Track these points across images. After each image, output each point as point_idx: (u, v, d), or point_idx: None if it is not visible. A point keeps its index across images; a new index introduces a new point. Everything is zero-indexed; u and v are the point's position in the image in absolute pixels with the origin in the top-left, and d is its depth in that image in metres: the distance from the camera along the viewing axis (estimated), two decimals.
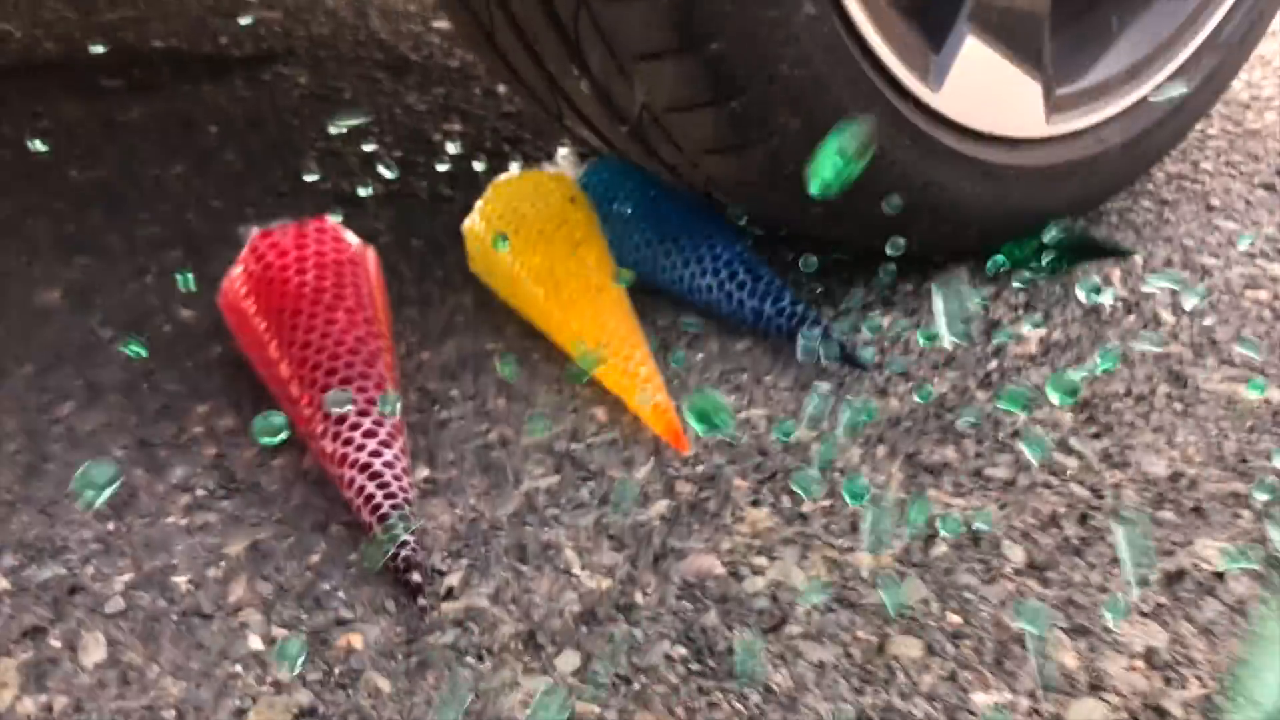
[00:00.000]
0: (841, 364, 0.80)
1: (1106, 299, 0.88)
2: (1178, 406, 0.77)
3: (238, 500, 0.66)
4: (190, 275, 0.77)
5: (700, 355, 0.82)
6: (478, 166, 1.13)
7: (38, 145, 1.14)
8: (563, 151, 1.15)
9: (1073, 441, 0.73)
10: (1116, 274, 0.96)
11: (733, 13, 0.70)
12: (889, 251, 0.84)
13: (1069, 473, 0.69)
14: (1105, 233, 1.05)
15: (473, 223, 0.87)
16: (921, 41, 0.82)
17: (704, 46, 0.71)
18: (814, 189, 0.67)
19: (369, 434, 0.63)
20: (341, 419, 0.64)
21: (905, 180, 0.84)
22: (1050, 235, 0.94)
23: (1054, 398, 0.72)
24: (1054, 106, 0.90)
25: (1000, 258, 0.98)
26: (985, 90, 0.86)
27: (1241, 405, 0.77)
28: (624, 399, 0.74)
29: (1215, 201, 1.12)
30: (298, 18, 1.67)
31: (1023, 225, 0.95)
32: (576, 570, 0.61)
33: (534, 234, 0.82)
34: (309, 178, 1.12)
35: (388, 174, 1.12)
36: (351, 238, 0.78)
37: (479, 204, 0.87)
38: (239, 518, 0.64)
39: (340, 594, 0.59)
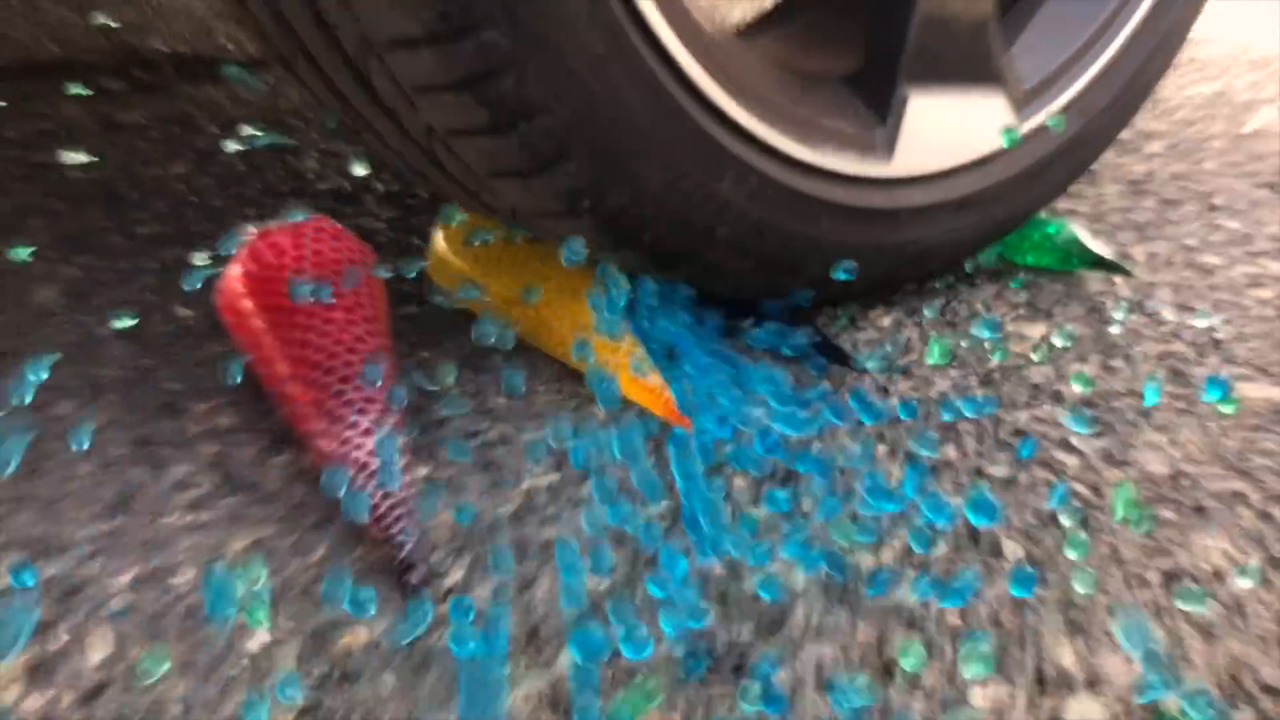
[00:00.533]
0: (836, 364, 0.81)
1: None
2: (1179, 405, 0.77)
3: (239, 499, 0.66)
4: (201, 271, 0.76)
5: None
6: None
7: None
8: None
9: (1073, 440, 0.73)
10: (1117, 278, 0.96)
11: (656, 215, 0.70)
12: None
13: (1069, 471, 0.69)
14: (1108, 232, 1.05)
15: (431, 267, 0.86)
16: (865, 121, 0.80)
17: (644, 240, 0.72)
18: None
19: (368, 432, 0.64)
20: (340, 418, 0.64)
21: (882, 251, 0.83)
22: (1055, 237, 0.94)
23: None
24: (1024, 102, 0.87)
25: (1000, 252, 0.98)
26: (944, 132, 0.83)
27: (1243, 404, 0.77)
28: (619, 384, 0.74)
29: (1217, 201, 1.12)
30: None
31: (1019, 224, 0.94)
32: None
33: (493, 261, 0.82)
34: (309, 177, 1.12)
35: (389, 174, 1.12)
36: (351, 237, 0.78)
37: (431, 248, 0.86)
38: (240, 516, 0.65)
39: None
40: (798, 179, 0.76)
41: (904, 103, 0.79)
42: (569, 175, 0.66)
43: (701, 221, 0.72)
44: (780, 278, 0.80)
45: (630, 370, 0.73)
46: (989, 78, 0.83)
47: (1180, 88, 1.51)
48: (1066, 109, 0.90)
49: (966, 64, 0.82)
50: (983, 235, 0.90)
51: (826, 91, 0.80)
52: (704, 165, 0.70)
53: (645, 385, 0.72)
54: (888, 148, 0.80)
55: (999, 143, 0.86)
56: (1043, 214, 0.97)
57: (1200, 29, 1.81)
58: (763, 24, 0.89)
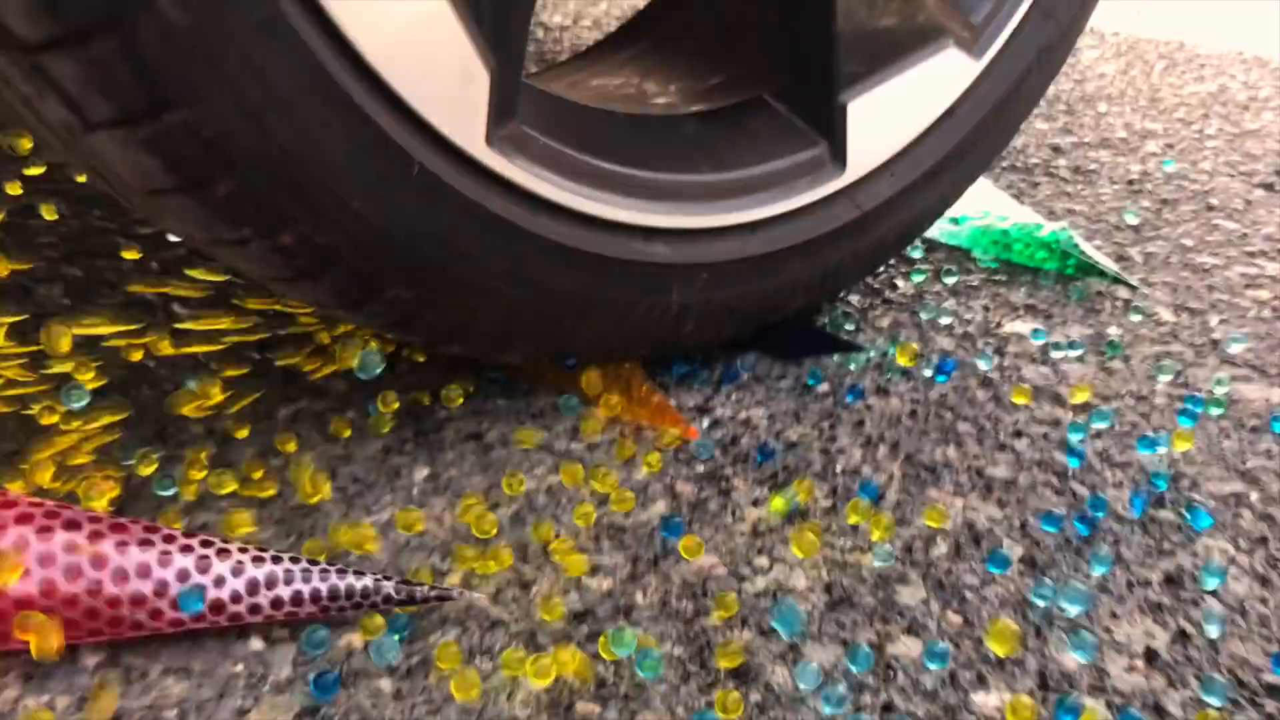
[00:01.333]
0: (836, 352, 0.81)
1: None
2: (1179, 406, 0.77)
3: (238, 499, 0.66)
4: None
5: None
6: None
7: None
8: None
9: (1073, 441, 0.73)
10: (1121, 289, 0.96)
11: (621, 344, 0.72)
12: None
13: (1069, 472, 0.70)
14: (1105, 233, 1.05)
15: None
16: (805, 139, 0.74)
17: (613, 357, 0.74)
18: None
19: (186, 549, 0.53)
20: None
21: (859, 256, 0.80)
22: (1056, 239, 0.94)
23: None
24: (975, 38, 0.78)
25: (997, 251, 0.98)
26: (897, 111, 0.76)
27: (1241, 405, 0.77)
28: (618, 403, 0.74)
29: (1214, 201, 1.13)
30: None
31: (997, 156, 0.87)
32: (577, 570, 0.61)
33: None
34: None
35: None
36: None
37: None
38: (239, 517, 0.64)
39: None
40: (750, 243, 0.72)
41: (845, 109, 0.73)
42: (522, 351, 0.69)
43: (665, 331, 0.72)
44: (764, 322, 0.79)
45: (633, 401, 0.74)
46: (931, 34, 0.76)
47: (1177, 88, 1.51)
48: (1026, 20, 0.80)
49: (904, 35, 0.75)
50: (961, 188, 0.85)
51: (751, 125, 0.74)
52: (650, 290, 0.69)
53: (651, 405, 0.72)
54: (838, 158, 0.74)
55: (961, 87, 0.78)
56: (1043, 221, 0.97)
57: (1197, 29, 1.82)
58: (623, 41, 0.82)
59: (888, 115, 0.76)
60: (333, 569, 0.55)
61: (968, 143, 0.81)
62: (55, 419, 0.69)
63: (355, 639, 0.56)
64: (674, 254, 0.69)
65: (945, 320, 0.88)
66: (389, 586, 0.55)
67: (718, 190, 0.71)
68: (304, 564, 0.55)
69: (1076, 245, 0.94)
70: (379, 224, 0.57)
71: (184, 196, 0.52)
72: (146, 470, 0.66)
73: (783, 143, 0.74)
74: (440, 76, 0.55)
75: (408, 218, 0.58)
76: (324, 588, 0.54)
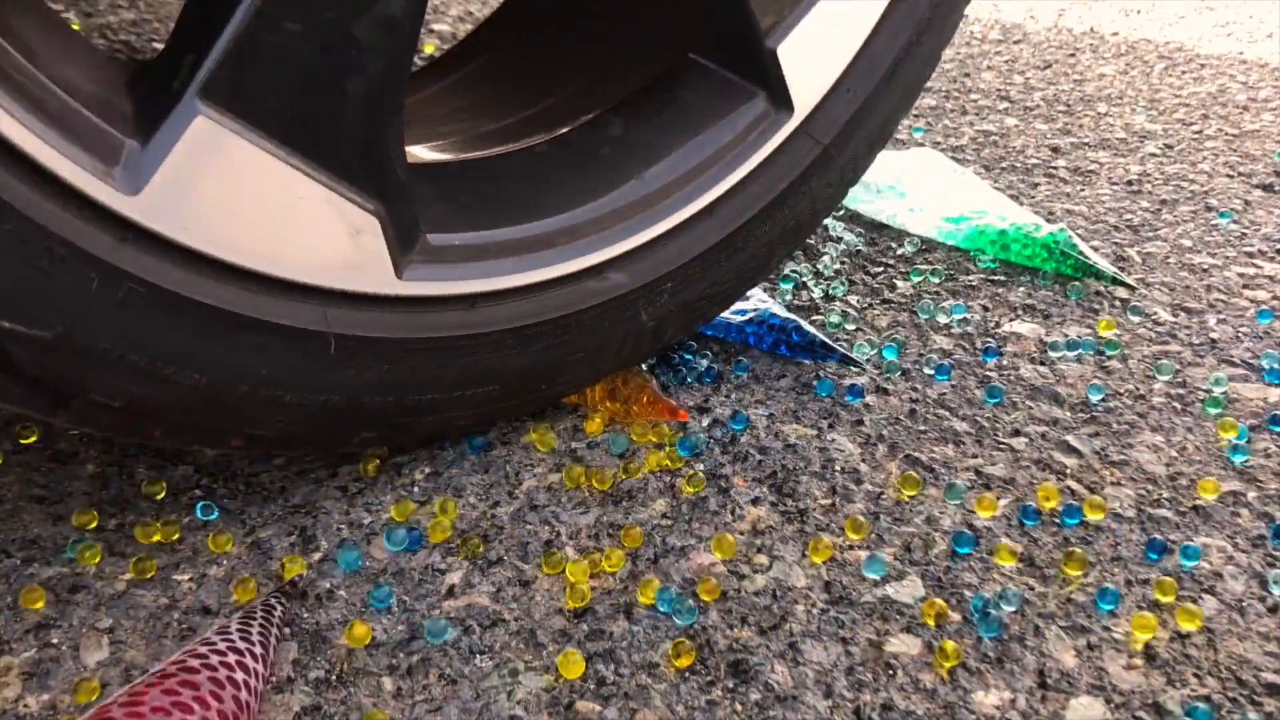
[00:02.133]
0: (837, 363, 0.81)
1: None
2: (1177, 405, 0.77)
3: (240, 498, 0.66)
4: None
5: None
6: None
7: None
8: None
9: (1072, 440, 0.73)
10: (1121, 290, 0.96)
11: (610, 371, 0.71)
12: None
13: (1069, 472, 0.70)
14: (1103, 232, 1.05)
15: None
16: (745, 92, 0.68)
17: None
18: None
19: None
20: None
21: (833, 185, 0.74)
22: (1055, 239, 0.94)
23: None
24: None
25: (996, 252, 0.98)
26: (842, 17, 0.68)
27: (1240, 404, 0.77)
28: (610, 391, 0.74)
29: (1213, 201, 1.13)
30: None
31: (954, 30, 0.78)
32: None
33: None
34: None
35: None
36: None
37: None
38: (241, 515, 0.64)
39: (342, 592, 0.59)
40: (710, 229, 0.68)
41: (774, 54, 0.66)
42: (510, 418, 0.71)
43: (645, 348, 0.72)
44: (750, 288, 0.78)
45: (622, 389, 0.74)
46: None
47: (1177, 88, 1.51)
48: None
49: None
50: (925, 74, 0.76)
51: (682, 98, 0.69)
52: (617, 323, 0.67)
53: (643, 401, 0.73)
54: (784, 101, 0.67)
55: (877, 13, 0.70)
56: (1041, 222, 0.97)
57: (1197, 31, 1.82)
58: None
59: (829, 28, 0.67)
60: (255, 619, 0.54)
61: (925, 21, 0.71)
62: None
63: (355, 638, 0.56)
64: (632, 278, 0.65)
65: (944, 320, 0.88)
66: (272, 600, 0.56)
67: (660, 190, 0.66)
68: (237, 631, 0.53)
69: (1075, 246, 0.94)
70: (317, 402, 0.58)
71: (132, 438, 0.57)
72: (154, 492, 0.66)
73: (716, 106, 0.67)
74: (327, 245, 0.54)
75: (344, 385, 0.58)
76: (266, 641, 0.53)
